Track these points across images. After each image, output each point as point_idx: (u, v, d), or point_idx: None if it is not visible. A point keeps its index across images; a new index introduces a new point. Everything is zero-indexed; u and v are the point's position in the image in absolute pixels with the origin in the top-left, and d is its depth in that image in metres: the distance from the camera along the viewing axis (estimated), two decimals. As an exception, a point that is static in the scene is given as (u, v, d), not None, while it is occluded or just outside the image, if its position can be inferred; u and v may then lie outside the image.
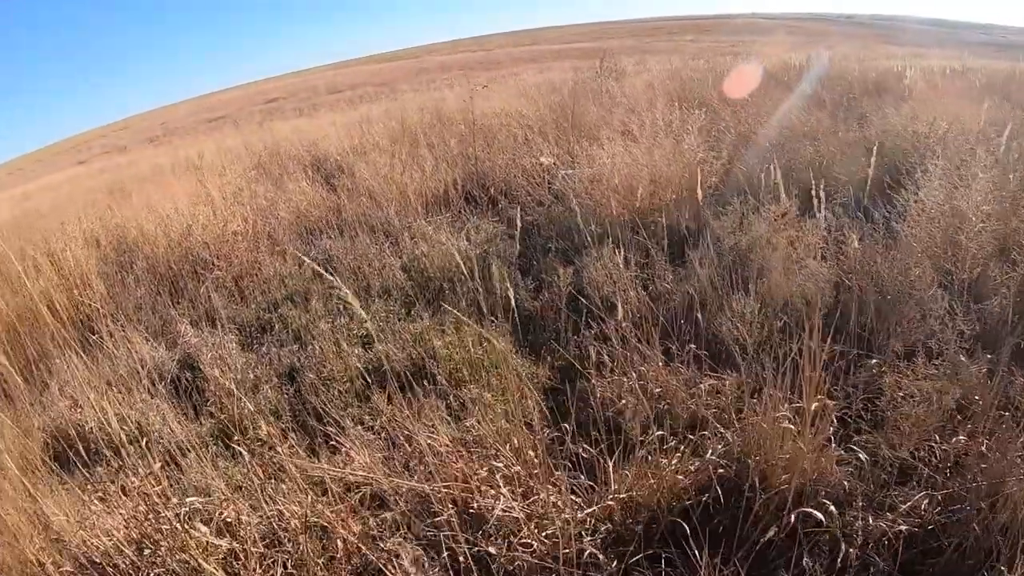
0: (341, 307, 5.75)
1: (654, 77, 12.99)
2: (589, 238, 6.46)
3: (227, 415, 4.58)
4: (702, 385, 4.15)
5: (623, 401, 4.10)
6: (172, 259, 6.74)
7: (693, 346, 4.43)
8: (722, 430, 3.66)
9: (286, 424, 4.47)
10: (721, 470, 3.39)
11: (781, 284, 5.13)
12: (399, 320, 5.47)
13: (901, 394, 3.84)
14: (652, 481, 3.37)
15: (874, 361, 4.22)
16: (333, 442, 4.12)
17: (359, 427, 4.30)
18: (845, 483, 3.28)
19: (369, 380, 4.74)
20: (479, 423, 4.10)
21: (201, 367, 5.02)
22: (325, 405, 4.53)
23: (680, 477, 3.39)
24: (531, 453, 3.63)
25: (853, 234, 5.41)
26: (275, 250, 6.91)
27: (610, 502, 3.33)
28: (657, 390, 4.14)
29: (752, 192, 6.62)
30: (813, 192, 4.85)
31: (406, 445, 4.04)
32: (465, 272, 5.95)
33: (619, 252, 5.71)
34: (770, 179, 6.82)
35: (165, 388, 4.84)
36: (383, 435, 4.25)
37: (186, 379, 5.03)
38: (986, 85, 12.29)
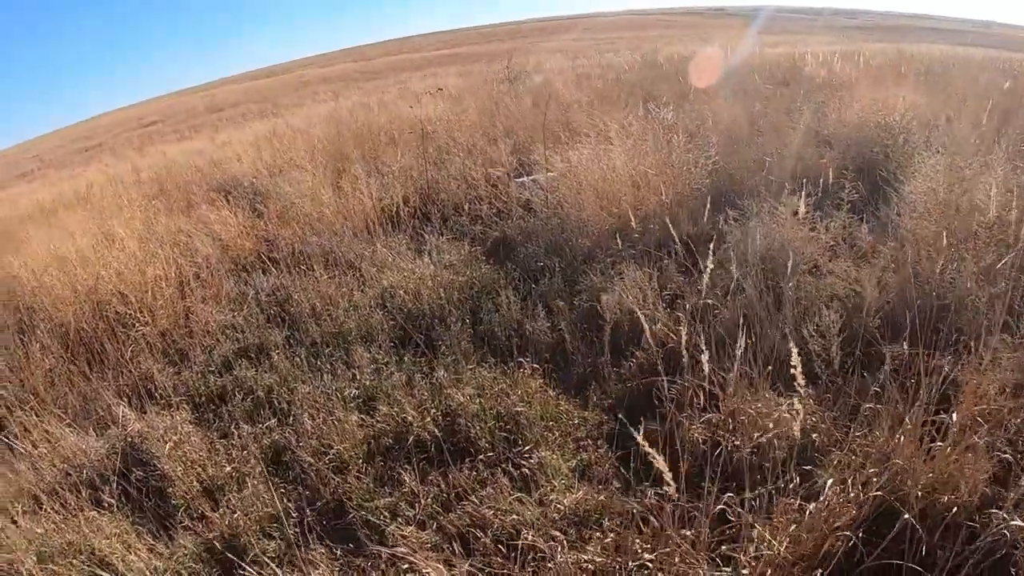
0: (315, 361, 4.62)
1: (566, 77, 12.34)
2: (579, 253, 5.67)
3: (212, 528, 3.42)
4: (782, 408, 3.42)
5: (735, 440, 3.38)
6: (83, 316, 5.35)
7: (771, 367, 3.69)
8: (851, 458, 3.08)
9: (295, 529, 3.36)
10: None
11: (817, 287, 4.59)
12: (394, 372, 4.40)
13: (993, 389, 3.37)
14: (793, 528, 2.74)
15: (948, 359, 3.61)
16: (375, 549, 3.08)
17: (397, 521, 3.28)
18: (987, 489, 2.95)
19: (393, 454, 3.74)
20: (558, 493, 3.27)
21: (156, 462, 3.80)
22: (345, 497, 3.48)
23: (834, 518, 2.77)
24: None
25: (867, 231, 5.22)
26: (208, 295, 5.66)
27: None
28: (770, 423, 3.38)
29: (746, 192, 6.04)
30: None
31: (483, 537, 3.07)
32: (454, 305, 5.05)
33: (629, 266, 4.95)
34: (759, 177, 6.31)
35: (113, 495, 3.60)
36: (433, 525, 3.26)
37: (137, 478, 3.80)
38: (880, 67, 12.45)
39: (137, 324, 5.21)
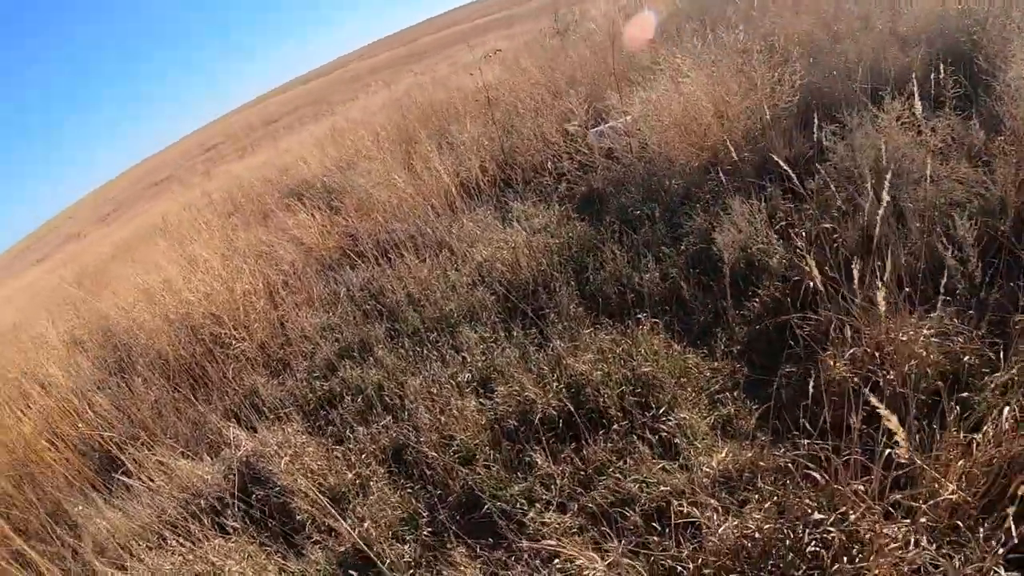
0: (420, 350, 4.40)
1: (617, 19, 11.83)
2: (675, 195, 5.30)
3: (341, 540, 3.24)
4: (924, 330, 3.08)
5: (888, 374, 3.00)
6: (179, 343, 5.27)
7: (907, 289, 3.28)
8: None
9: (429, 529, 3.16)
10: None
11: (936, 195, 4.09)
12: (505, 347, 4.12)
13: None
14: (962, 464, 2.41)
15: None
16: (520, 544, 2.84)
17: (535, 507, 3.02)
18: None
19: (519, 436, 3.47)
20: (703, 455, 2.97)
21: (274, 478, 3.63)
22: (476, 489, 3.24)
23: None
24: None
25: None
26: (299, 300, 5.49)
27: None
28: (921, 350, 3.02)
29: (838, 103, 5.54)
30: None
31: (631, 514, 2.79)
32: (555, 268, 4.75)
33: (734, 200, 4.54)
34: (848, 86, 5.79)
35: (235, 518, 3.45)
36: (574, 507, 3.00)
37: (257, 498, 3.65)
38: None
39: (234, 342, 5.08)
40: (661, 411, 3.28)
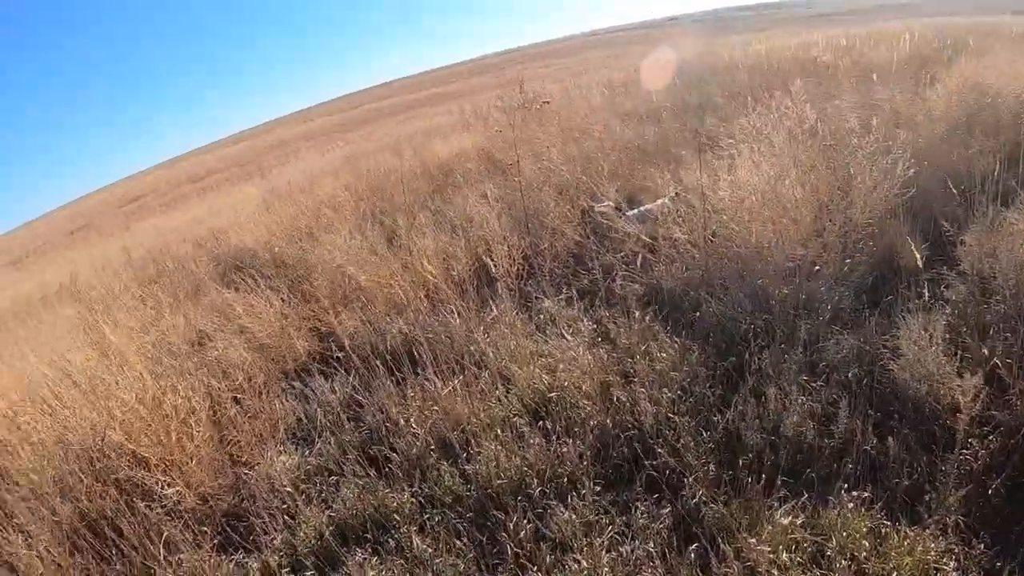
0: (478, 535, 2.77)
1: (573, 99, 10.91)
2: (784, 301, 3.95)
3: None
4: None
5: None
6: (78, 485, 3.29)
7: None
8: None
9: None
10: None
11: None
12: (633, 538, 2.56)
13: None
14: None
15: None
16: None
17: None
18: None
19: None
20: None
21: None
22: None
23: None
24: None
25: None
26: (257, 427, 3.66)
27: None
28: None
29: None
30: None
31: None
32: (664, 407, 3.21)
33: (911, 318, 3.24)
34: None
35: None
36: None
37: None
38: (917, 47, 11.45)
39: (165, 487, 3.22)
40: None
